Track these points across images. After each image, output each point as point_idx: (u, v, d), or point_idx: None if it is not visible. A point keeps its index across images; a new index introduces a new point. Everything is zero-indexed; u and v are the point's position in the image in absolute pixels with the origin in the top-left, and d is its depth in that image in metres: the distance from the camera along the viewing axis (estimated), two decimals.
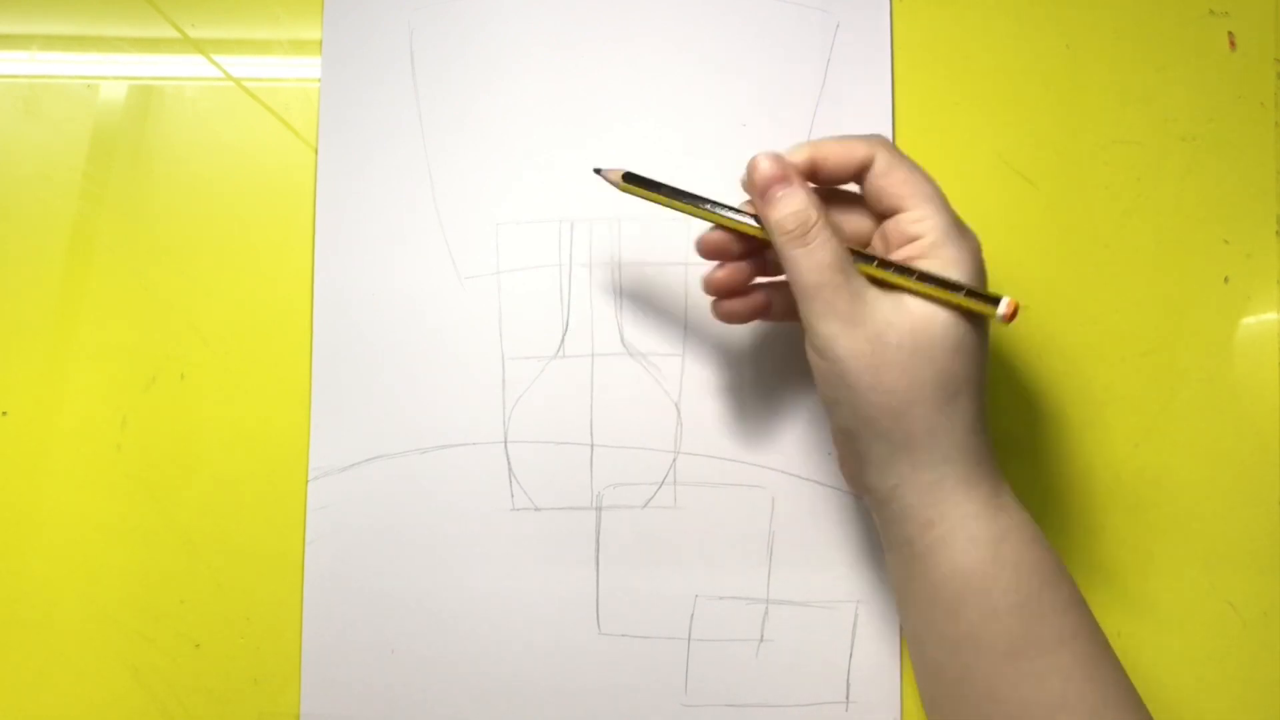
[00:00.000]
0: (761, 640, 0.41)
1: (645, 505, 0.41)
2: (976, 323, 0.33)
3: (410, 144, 0.43)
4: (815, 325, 0.33)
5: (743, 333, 0.42)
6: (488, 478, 0.41)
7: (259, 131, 0.43)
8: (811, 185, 0.35)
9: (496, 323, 0.42)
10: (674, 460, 0.41)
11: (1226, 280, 0.42)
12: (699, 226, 0.42)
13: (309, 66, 0.43)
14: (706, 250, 0.37)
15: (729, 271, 0.37)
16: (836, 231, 0.34)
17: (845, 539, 0.41)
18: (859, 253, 0.34)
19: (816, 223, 0.33)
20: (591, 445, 0.41)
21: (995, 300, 0.32)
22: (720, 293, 0.37)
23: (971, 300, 0.32)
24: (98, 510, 0.41)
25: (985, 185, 0.42)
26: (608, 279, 0.42)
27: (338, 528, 0.41)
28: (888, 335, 0.32)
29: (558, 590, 0.41)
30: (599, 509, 0.41)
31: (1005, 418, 0.41)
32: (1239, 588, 0.41)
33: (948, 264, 0.33)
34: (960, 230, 0.34)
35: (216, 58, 0.44)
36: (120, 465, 0.42)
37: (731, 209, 0.36)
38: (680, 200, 0.37)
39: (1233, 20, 0.43)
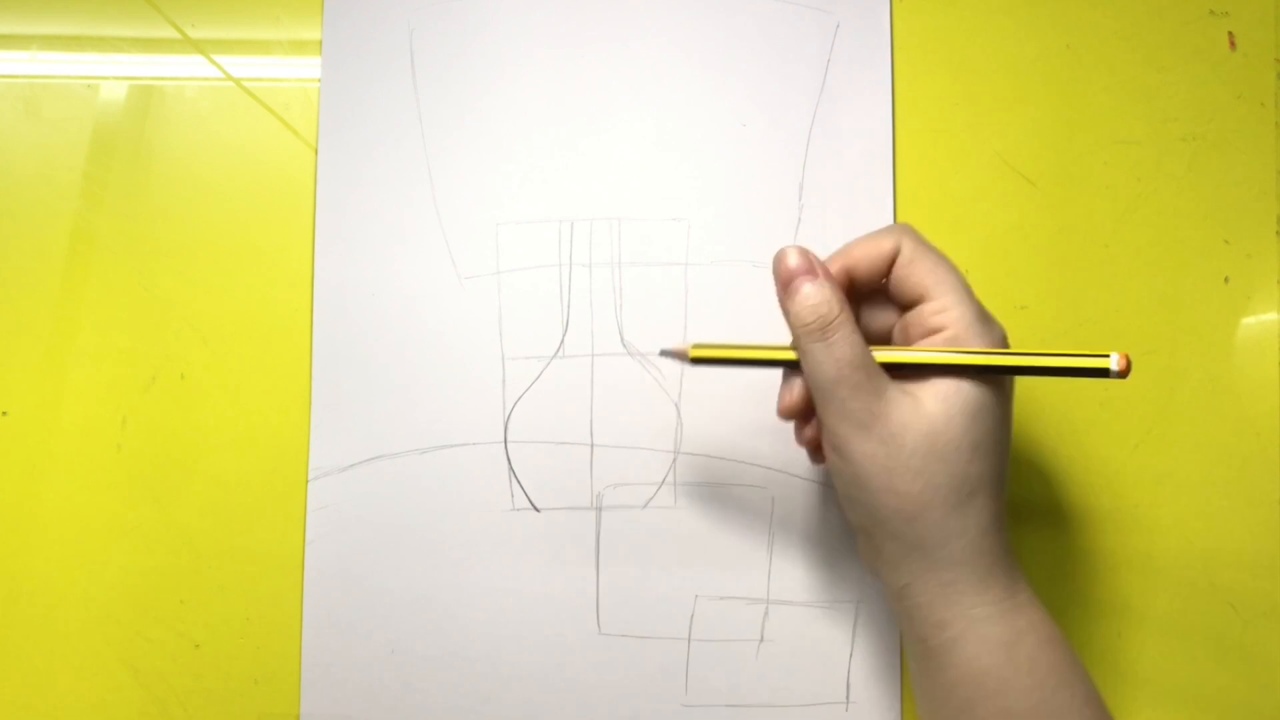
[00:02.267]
0: (761, 640, 0.41)
1: (645, 505, 0.41)
2: (997, 422, 0.32)
3: (410, 144, 0.43)
4: (831, 425, 0.33)
5: (742, 333, 0.42)
6: (488, 478, 0.41)
7: (259, 131, 0.43)
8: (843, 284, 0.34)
9: (496, 323, 0.42)
10: (674, 460, 0.41)
11: (1226, 280, 0.42)
12: (699, 226, 0.42)
13: (309, 66, 0.43)
14: (786, 414, 0.36)
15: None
16: (861, 329, 0.33)
17: (845, 539, 0.41)
18: (896, 363, 0.33)
19: (838, 318, 0.32)
20: (591, 445, 0.41)
21: (1101, 371, 0.30)
22: (795, 416, 0.36)
23: (1073, 362, 0.31)
24: (98, 510, 0.41)
25: (985, 185, 0.42)
26: (608, 279, 0.42)
27: (338, 528, 0.41)
28: (903, 438, 0.31)
29: (558, 590, 0.41)
30: (599, 509, 0.41)
31: None
32: (1239, 588, 0.41)
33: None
34: (986, 322, 0.33)
35: (216, 58, 0.44)
36: (120, 465, 0.42)
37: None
38: (750, 357, 0.35)
39: (1233, 20, 0.43)
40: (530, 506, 0.41)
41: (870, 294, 0.36)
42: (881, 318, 0.36)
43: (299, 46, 0.43)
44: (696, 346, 0.35)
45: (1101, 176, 0.42)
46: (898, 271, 0.34)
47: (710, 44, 0.43)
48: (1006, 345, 0.33)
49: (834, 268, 0.34)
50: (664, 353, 0.37)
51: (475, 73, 0.43)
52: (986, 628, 0.32)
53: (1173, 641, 0.40)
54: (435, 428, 0.41)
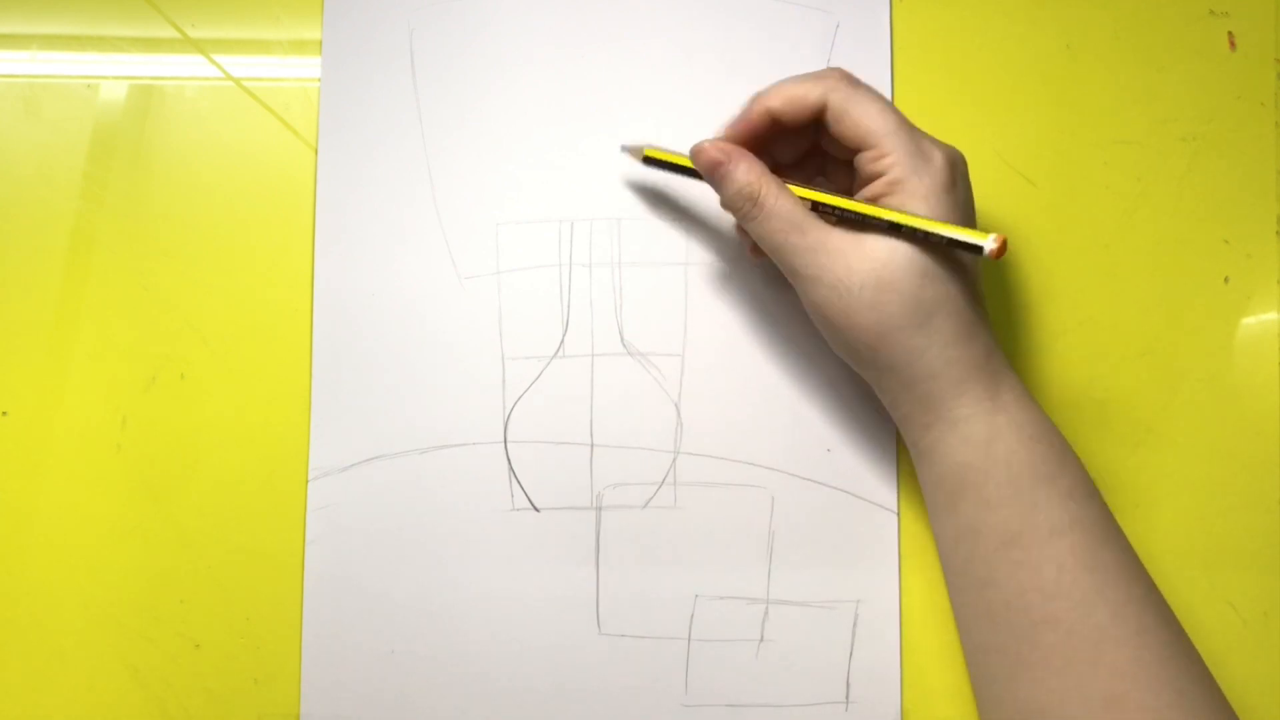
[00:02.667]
0: (761, 640, 0.41)
1: (645, 505, 0.41)
2: (947, 251, 0.34)
3: (410, 144, 0.43)
4: (790, 279, 0.36)
5: (743, 333, 0.42)
6: (488, 478, 0.41)
7: (259, 131, 0.43)
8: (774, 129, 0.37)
9: (496, 323, 0.42)
10: (674, 460, 0.41)
11: (1226, 280, 0.42)
12: (699, 226, 0.42)
13: (309, 66, 0.43)
14: (756, 256, 0.41)
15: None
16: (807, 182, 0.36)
17: (845, 539, 0.41)
18: (825, 204, 0.35)
19: (761, 193, 0.35)
20: (591, 445, 0.41)
21: (977, 248, 0.33)
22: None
23: (951, 242, 0.33)
24: (98, 510, 0.41)
25: (985, 185, 0.42)
26: (608, 279, 0.42)
27: (338, 528, 0.41)
28: (850, 280, 0.34)
29: (558, 590, 0.41)
30: (599, 509, 0.41)
31: None
32: (1239, 588, 0.41)
33: (913, 199, 0.34)
34: (925, 159, 0.34)
35: (216, 58, 0.44)
36: (120, 465, 0.42)
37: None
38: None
39: (1233, 20, 0.43)
40: (530, 506, 0.41)
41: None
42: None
43: (299, 46, 0.43)
44: (650, 149, 0.40)
45: (1101, 176, 0.42)
46: (832, 128, 0.36)
47: (710, 44, 0.43)
48: (948, 179, 0.34)
49: (755, 114, 0.37)
50: (623, 148, 0.41)
51: (475, 73, 0.43)
52: (966, 427, 0.34)
53: None
54: (435, 428, 0.41)
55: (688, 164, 0.38)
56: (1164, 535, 0.41)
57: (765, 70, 0.42)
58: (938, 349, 0.34)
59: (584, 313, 0.42)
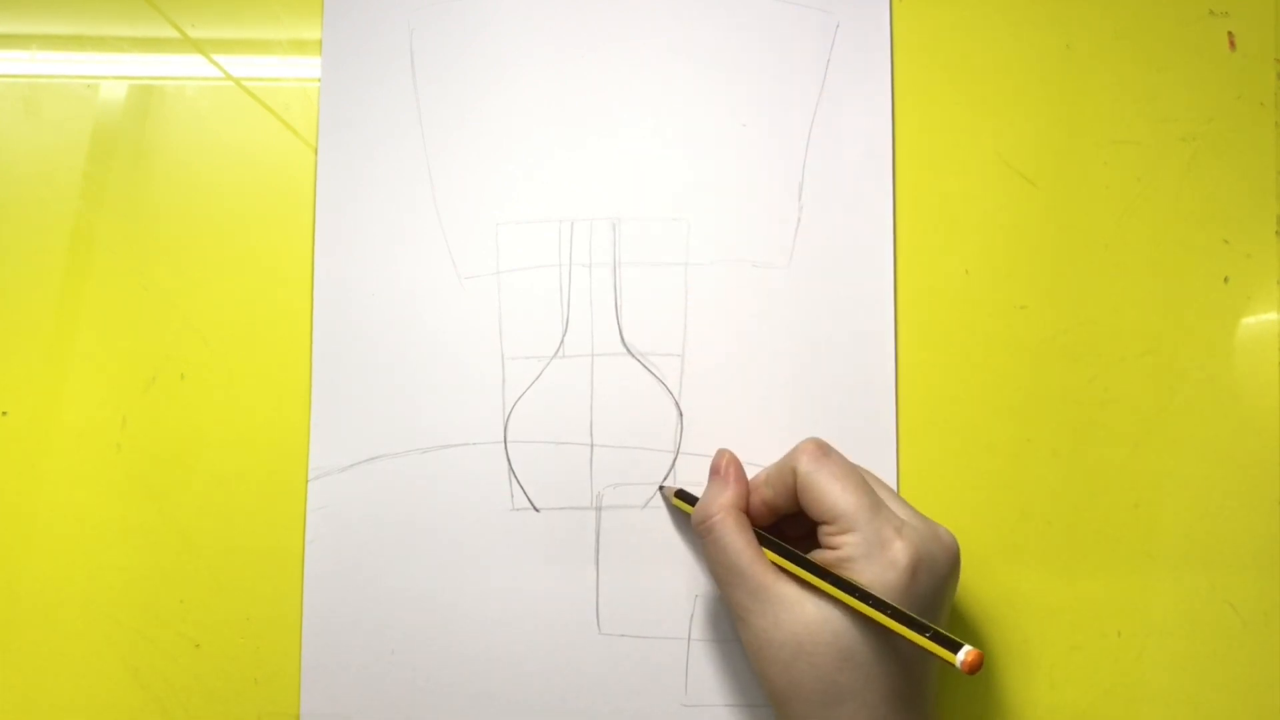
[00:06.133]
0: None
1: (645, 505, 0.41)
2: (880, 639, 0.33)
3: (410, 144, 0.43)
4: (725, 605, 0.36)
5: (743, 333, 0.42)
6: (488, 478, 0.41)
7: (259, 131, 0.43)
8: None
9: (496, 323, 0.42)
10: (674, 460, 0.41)
11: (1226, 280, 0.42)
12: (699, 226, 0.42)
13: (309, 66, 0.43)
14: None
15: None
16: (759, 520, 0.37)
17: None
18: (788, 550, 0.35)
19: (715, 520, 0.36)
20: (591, 445, 0.41)
21: (955, 646, 0.29)
22: None
23: (924, 640, 0.30)
24: (98, 510, 0.41)
25: (985, 185, 0.42)
26: (608, 279, 0.42)
27: (338, 528, 0.41)
28: (772, 633, 0.33)
29: (558, 590, 0.41)
30: (599, 509, 0.41)
31: (1005, 418, 0.41)
32: (1239, 588, 0.41)
33: (864, 585, 0.32)
34: (880, 550, 0.33)
35: (216, 58, 0.44)
36: (120, 465, 0.42)
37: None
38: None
39: (1233, 20, 0.43)
40: (530, 506, 0.41)
41: None
42: None
43: (299, 46, 0.43)
44: (680, 493, 0.40)
45: (1101, 176, 0.42)
46: (799, 496, 0.35)
47: (710, 44, 0.43)
48: (919, 565, 0.32)
49: (755, 502, 0.37)
50: (661, 488, 0.41)
51: (475, 73, 0.43)
52: None
53: (1173, 641, 0.40)
54: (435, 428, 0.41)
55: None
56: (1164, 535, 0.41)
57: (765, 70, 0.42)
58: None
59: (584, 313, 0.42)
